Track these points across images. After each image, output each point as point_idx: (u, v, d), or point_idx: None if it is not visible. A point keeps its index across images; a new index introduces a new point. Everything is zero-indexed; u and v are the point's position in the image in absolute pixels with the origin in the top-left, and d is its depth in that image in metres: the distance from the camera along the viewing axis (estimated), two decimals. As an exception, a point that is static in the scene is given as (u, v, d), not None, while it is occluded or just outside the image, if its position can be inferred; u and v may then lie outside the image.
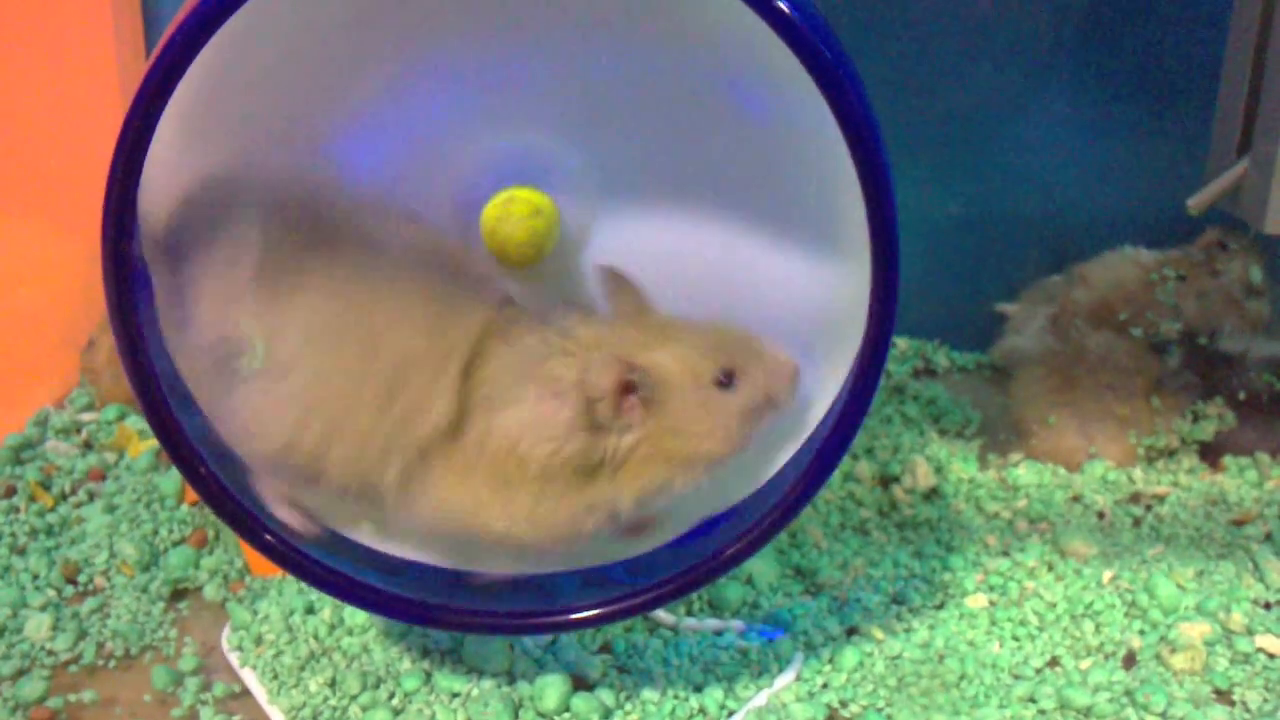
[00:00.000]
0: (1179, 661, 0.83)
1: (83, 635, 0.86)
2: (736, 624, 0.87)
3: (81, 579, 0.91)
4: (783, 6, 0.63)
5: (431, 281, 0.71)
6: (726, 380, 0.71)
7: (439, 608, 0.74)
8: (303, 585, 0.88)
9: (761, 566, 0.91)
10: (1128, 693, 0.80)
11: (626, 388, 0.69)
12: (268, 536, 0.72)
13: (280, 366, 0.70)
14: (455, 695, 0.79)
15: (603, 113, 0.75)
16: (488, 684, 0.80)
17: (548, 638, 0.83)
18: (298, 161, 0.74)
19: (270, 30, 0.70)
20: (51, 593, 0.90)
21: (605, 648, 0.84)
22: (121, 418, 1.11)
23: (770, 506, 0.71)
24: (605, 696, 0.79)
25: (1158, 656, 0.84)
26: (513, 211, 0.73)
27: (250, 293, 0.70)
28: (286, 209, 0.72)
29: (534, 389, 0.69)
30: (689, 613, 0.88)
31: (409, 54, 0.74)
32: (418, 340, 0.69)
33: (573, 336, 0.71)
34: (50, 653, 0.84)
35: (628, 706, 0.79)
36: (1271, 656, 0.84)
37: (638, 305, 0.73)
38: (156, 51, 0.64)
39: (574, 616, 0.74)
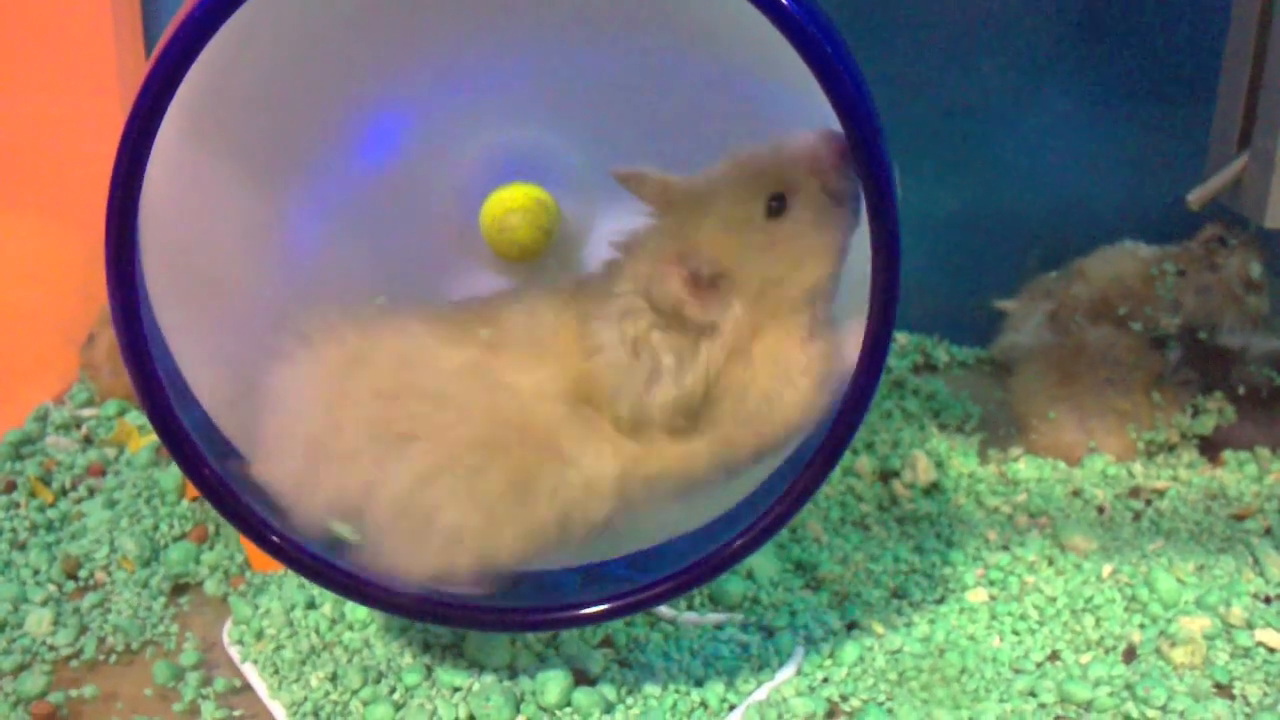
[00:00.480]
0: (1179, 655, 0.83)
1: (84, 630, 0.86)
2: (736, 617, 0.87)
3: (82, 574, 0.91)
4: (784, 1, 0.63)
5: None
6: (779, 205, 0.67)
7: (441, 603, 0.74)
8: (304, 580, 0.88)
9: (762, 561, 0.91)
10: (1128, 686, 0.80)
11: (692, 279, 0.66)
12: (271, 536, 0.72)
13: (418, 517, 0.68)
14: (457, 690, 0.79)
15: (604, 109, 0.75)
16: (489, 679, 0.80)
17: (548, 633, 0.83)
18: (301, 158, 0.74)
19: (272, 27, 0.70)
20: (52, 588, 0.90)
21: (606, 642, 0.85)
22: (121, 413, 1.11)
23: (773, 501, 0.71)
24: (607, 691, 0.79)
25: (1158, 650, 0.84)
26: (513, 207, 0.73)
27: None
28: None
29: (637, 363, 0.66)
30: (690, 607, 0.88)
31: (410, 51, 0.74)
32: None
33: (633, 275, 0.67)
34: (51, 648, 0.84)
35: (629, 701, 0.79)
36: (1271, 650, 0.84)
37: (663, 188, 0.69)
38: (160, 47, 0.64)
39: (581, 613, 0.74)
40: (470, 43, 0.74)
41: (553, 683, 0.78)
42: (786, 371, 0.68)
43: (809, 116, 0.69)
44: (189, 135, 0.70)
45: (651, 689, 0.80)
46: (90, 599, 0.89)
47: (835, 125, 0.65)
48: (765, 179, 0.67)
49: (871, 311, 0.67)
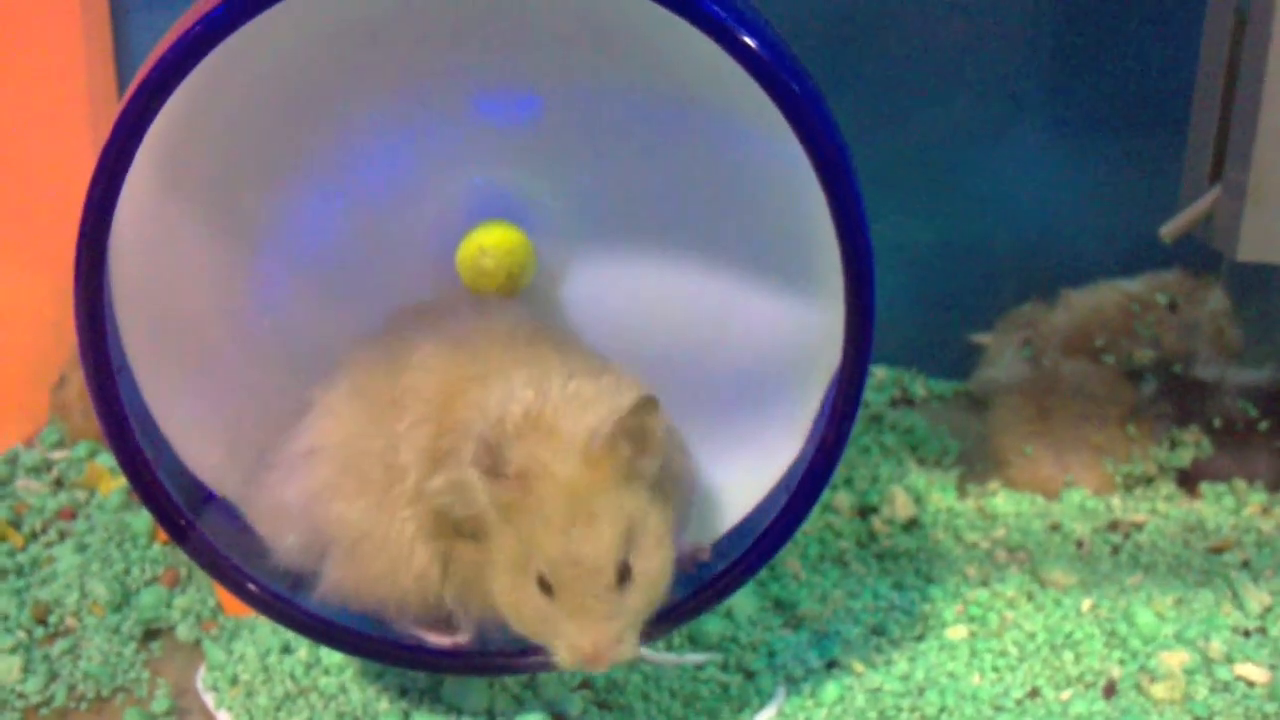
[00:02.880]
0: (1159, 691, 0.83)
1: (54, 677, 0.84)
2: (715, 657, 0.86)
3: (52, 619, 0.90)
4: (748, 41, 0.63)
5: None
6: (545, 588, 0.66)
7: (417, 649, 0.74)
8: (277, 625, 0.87)
9: (741, 600, 0.91)
10: (1109, 723, 0.80)
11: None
12: (250, 585, 0.72)
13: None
14: (434, 735, 0.79)
15: (577, 150, 0.75)
16: (467, 723, 0.79)
17: (526, 675, 0.82)
18: (274, 197, 0.73)
19: (245, 68, 0.70)
20: (21, 634, 0.88)
21: (585, 684, 0.84)
22: (92, 455, 1.10)
23: (755, 539, 0.71)
24: (585, 734, 0.79)
25: (1138, 686, 0.84)
26: (492, 246, 0.73)
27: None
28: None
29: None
30: (669, 647, 0.88)
31: (387, 94, 0.74)
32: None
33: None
34: (20, 695, 0.83)
35: (608, 744, 0.79)
36: (1251, 684, 0.84)
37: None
38: (133, 87, 0.64)
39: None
40: (446, 84, 0.74)
41: (531, 727, 0.77)
42: None
43: (784, 152, 0.69)
44: (159, 176, 0.70)
45: (631, 731, 0.80)
46: (60, 645, 0.87)
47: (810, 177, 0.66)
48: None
49: (846, 346, 0.67)
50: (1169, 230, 0.98)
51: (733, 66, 0.64)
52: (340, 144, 0.75)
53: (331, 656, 0.84)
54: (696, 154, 0.74)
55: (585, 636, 0.64)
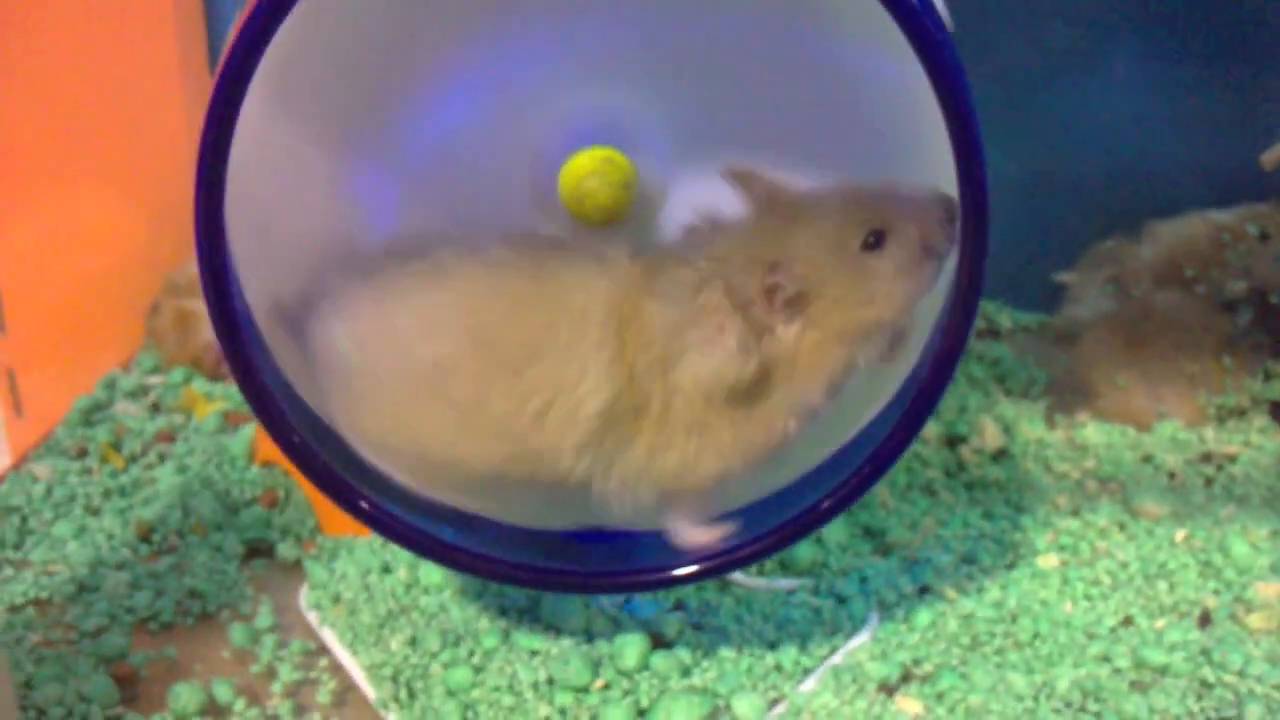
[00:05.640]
0: (1255, 620, 0.83)
1: (160, 593, 0.86)
2: (807, 583, 0.87)
3: (156, 538, 0.92)
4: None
5: (537, 263, 0.70)
6: (875, 241, 0.68)
7: (522, 566, 0.75)
8: (375, 544, 0.89)
9: (831, 527, 0.91)
10: (1204, 652, 0.80)
11: (772, 289, 0.67)
12: (361, 502, 0.73)
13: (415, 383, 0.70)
14: (535, 653, 0.80)
15: (681, 72, 0.74)
16: (567, 642, 0.80)
17: (622, 597, 0.83)
18: (377, 122, 0.74)
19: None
20: (127, 552, 0.90)
21: (678, 606, 0.85)
22: (187, 380, 1.12)
23: (860, 463, 0.71)
24: (683, 654, 0.80)
25: (1233, 616, 0.84)
26: (594, 171, 0.73)
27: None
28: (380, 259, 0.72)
29: (696, 332, 0.68)
30: (760, 573, 0.88)
31: (485, 14, 0.74)
32: (536, 330, 0.69)
33: (716, 255, 0.68)
34: (130, 610, 0.85)
35: (705, 664, 0.80)
36: (1348, 615, 0.84)
37: (770, 191, 0.70)
38: (245, 14, 0.64)
39: (670, 574, 0.74)
40: (542, 4, 0.74)
41: (631, 646, 0.78)
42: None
43: (891, 75, 0.68)
44: (269, 98, 0.70)
45: (727, 653, 0.80)
46: (164, 562, 0.89)
47: (917, 82, 0.65)
48: (871, 213, 0.69)
49: (959, 277, 0.67)
50: (1269, 157, 0.96)
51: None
52: (441, 65, 0.75)
53: (431, 576, 0.86)
54: (806, 74, 0.73)
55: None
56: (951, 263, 0.70)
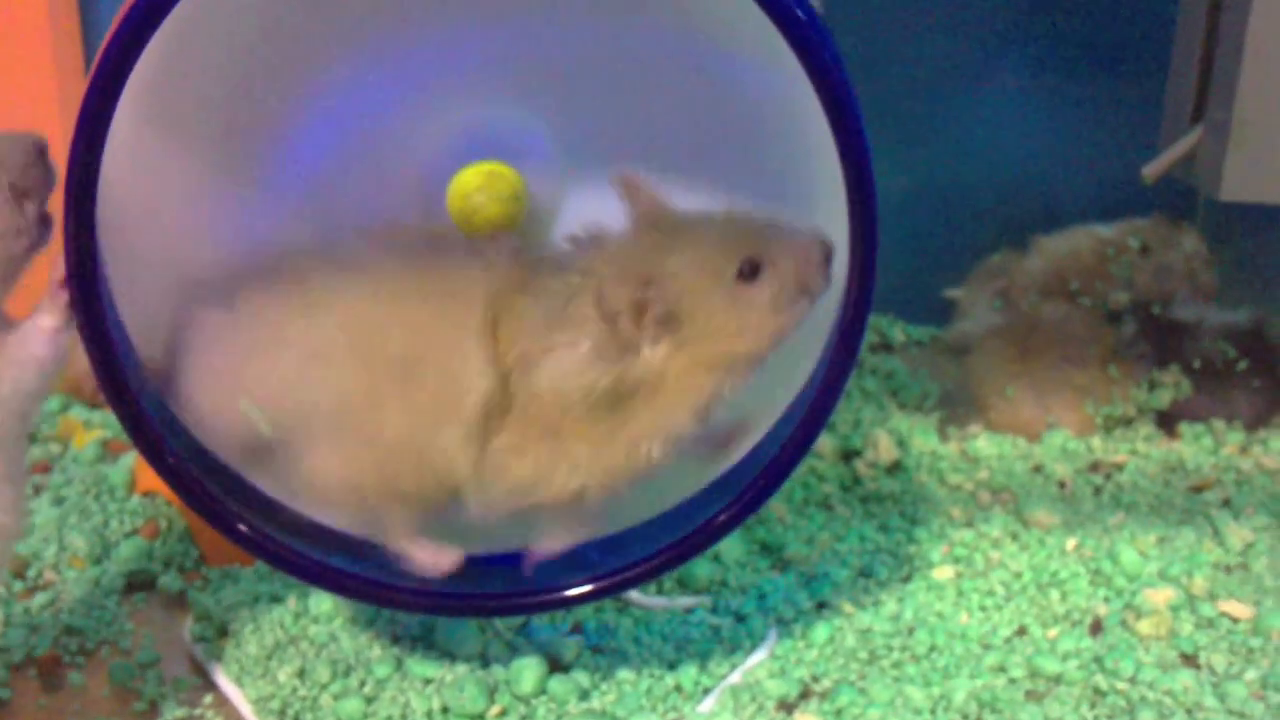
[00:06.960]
0: (1145, 627, 0.84)
1: (35, 630, 0.83)
2: (706, 601, 0.86)
3: (30, 573, 0.89)
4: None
5: (416, 267, 0.69)
6: (750, 272, 0.68)
7: (412, 590, 0.73)
8: (263, 573, 0.87)
9: (728, 544, 0.91)
10: (1096, 659, 0.80)
11: (641, 306, 0.66)
12: (240, 526, 0.71)
13: (304, 422, 0.69)
14: (429, 681, 0.78)
15: (569, 85, 0.74)
16: (462, 669, 0.78)
17: (518, 621, 0.82)
18: (255, 144, 0.72)
19: (222, 11, 0.68)
20: (0, 589, 0.87)
21: (576, 628, 0.84)
22: (64, 409, 1.08)
23: (752, 478, 0.71)
24: (580, 678, 0.78)
25: (1124, 623, 0.85)
26: (481, 186, 0.72)
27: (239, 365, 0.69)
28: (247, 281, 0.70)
29: (558, 335, 0.67)
30: (659, 591, 0.87)
31: (370, 29, 0.72)
32: (420, 325, 0.68)
33: (590, 267, 0.68)
34: (3, 650, 0.81)
35: (604, 687, 0.78)
36: (1235, 620, 0.85)
37: (654, 207, 0.70)
38: (112, 31, 0.62)
39: (564, 595, 0.73)
40: (428, 20, 0.73)
41: (528, 670, 0.77)
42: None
43: (778, 89, 0.68)
44: (140, 118, 0.68)
45: (626, 674, 0.79)
46: (40, 599, 0.86)
47: (805, 96, 0.65)
48: (750, 243, 0.68)
49: (848, 292, 0.67)
50: (1151, 170, 0.98)
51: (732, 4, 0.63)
52: (322, 83, 0.73)
53: (321, 605, 0.84)
54: (694, 87, 0.73)
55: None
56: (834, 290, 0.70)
